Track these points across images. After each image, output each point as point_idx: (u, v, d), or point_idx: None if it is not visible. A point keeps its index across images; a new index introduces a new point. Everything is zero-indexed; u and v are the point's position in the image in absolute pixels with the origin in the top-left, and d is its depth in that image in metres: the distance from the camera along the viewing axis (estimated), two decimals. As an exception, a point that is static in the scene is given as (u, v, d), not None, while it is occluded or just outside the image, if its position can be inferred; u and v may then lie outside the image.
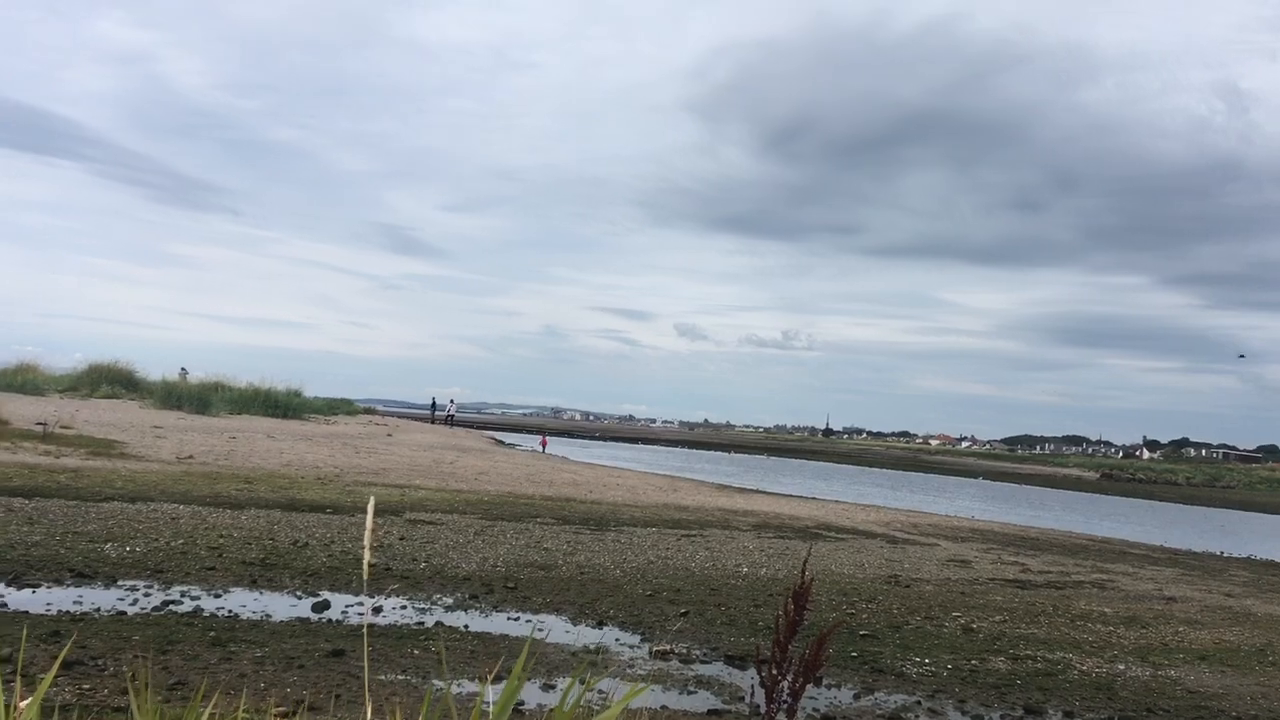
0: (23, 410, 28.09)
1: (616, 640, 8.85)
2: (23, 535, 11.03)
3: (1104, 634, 11.36)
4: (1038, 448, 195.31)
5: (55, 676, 6.13)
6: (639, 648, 8.64)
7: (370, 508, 1.87)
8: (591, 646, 8.44)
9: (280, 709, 5.48)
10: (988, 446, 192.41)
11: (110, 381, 45.86)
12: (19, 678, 1.99)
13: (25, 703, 1.93)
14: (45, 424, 23.76)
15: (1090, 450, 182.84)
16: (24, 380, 42.45)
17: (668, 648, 8.61)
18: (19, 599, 8.40)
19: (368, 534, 1.81)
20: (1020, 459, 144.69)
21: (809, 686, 3.39)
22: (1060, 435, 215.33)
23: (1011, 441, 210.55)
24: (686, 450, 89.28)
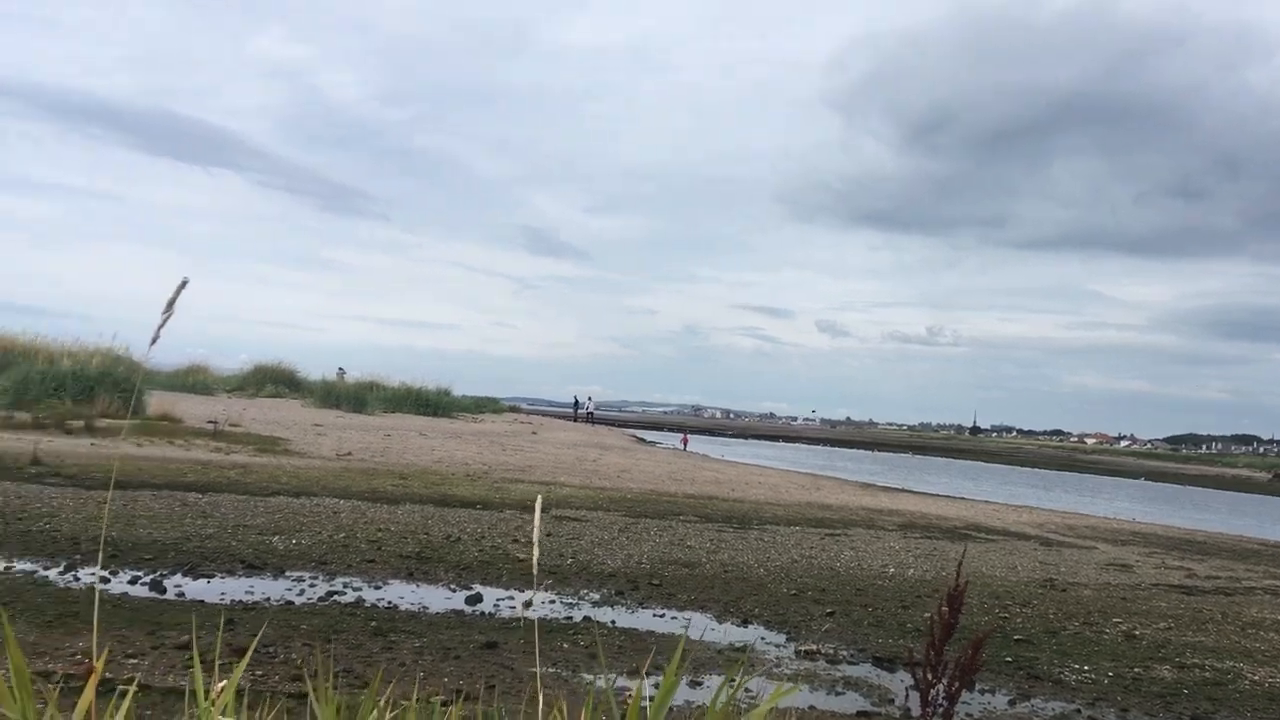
0: (195, 409, 29.72)
1: (762, 639, 8.84)
2: (197, 528, 11.70)
3: (1278, 643, 10.75)
4: (1203, 447, 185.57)
5: (231, 662, 6.52)
6: (784, 647, 8.62)
7: (538, 506, 1.95)
8: (737, 645, 8.46)
9: (440, 698, 5.68)
10: (1148, 446, 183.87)
11: (274, 381, 48.15)
12: (218, 665, 2.14)
13: (220, 685, 2.07)
14: (215, 422, 25.11)
15: (1262, 450, 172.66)
16: (195, 381, 44.94)
17: (814, 647, 8.56)
18: (195, 588, 8.92)
19: (535, 531, 1.88)
20: (1184, 459, 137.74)
21: (962, 691, 3.33)
22: (1229, 434, 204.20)
23: (1174, 441, 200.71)
24: (828, 448, 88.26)
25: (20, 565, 9.20)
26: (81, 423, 22.79)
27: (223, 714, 1.92)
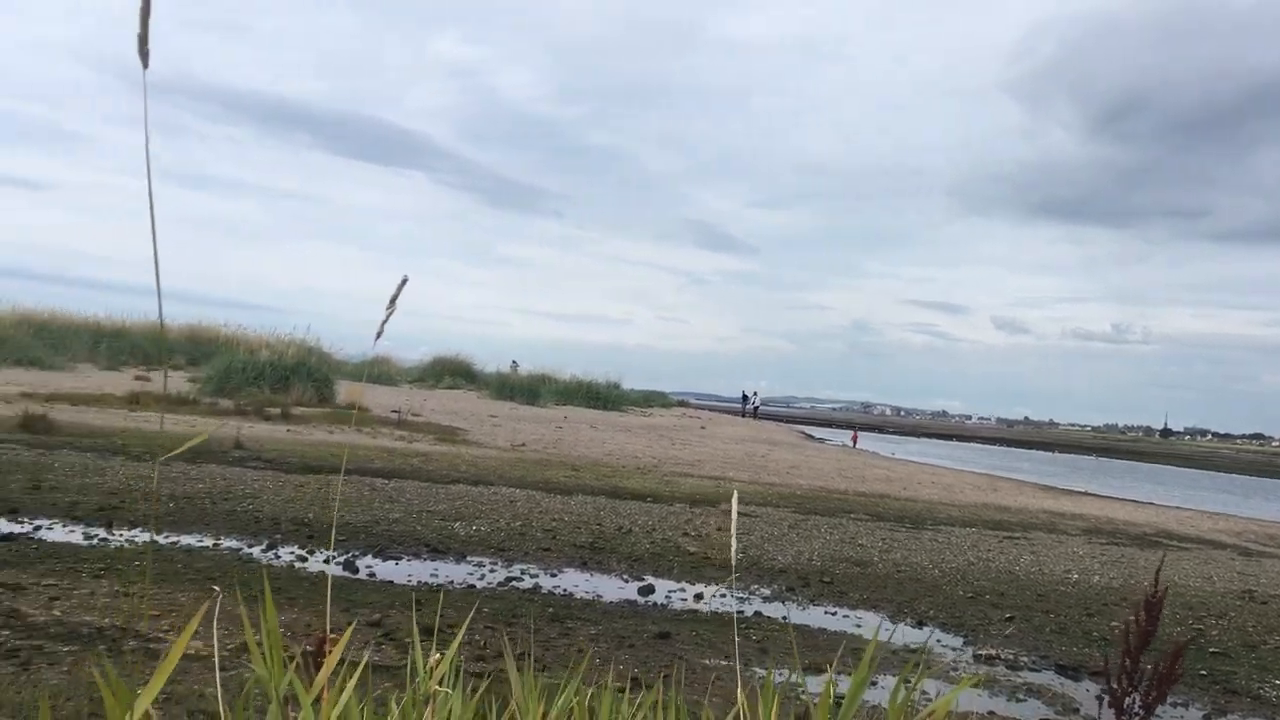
0: (380, 399, 31.17)
1: (938, 642, 8.67)
2: (385, 512, 12.28)
3: None
4: None
5: (421, 642, 6.84)
6: (961, 650, 8.42)
7: (734, 504, 2.00)
8: (912, 645, 8.33)
9: (617, 685, 5.82)
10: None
11: (451, 373, 49.93)
12: (435, 640, 2.29)
13: (435, 658, 2.20)
14: (399, 412, 26.24)
15: None
16: (379, 372, 47.06)
17: (993, 652, 8.34)
18: (384, 569, 9.37)
19: (733, 525, 1.93)
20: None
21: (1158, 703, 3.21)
22: None
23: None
24: (1005, 448, 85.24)
25: (227, 542, 9.87)
26: (278, 410, 24.21)
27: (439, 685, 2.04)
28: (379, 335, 1.83)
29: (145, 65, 1.29)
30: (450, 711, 2.09)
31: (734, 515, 1.97)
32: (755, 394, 78.21)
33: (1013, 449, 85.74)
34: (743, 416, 70.92)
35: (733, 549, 2.02)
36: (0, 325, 33.65)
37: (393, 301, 1.82)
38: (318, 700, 1.79)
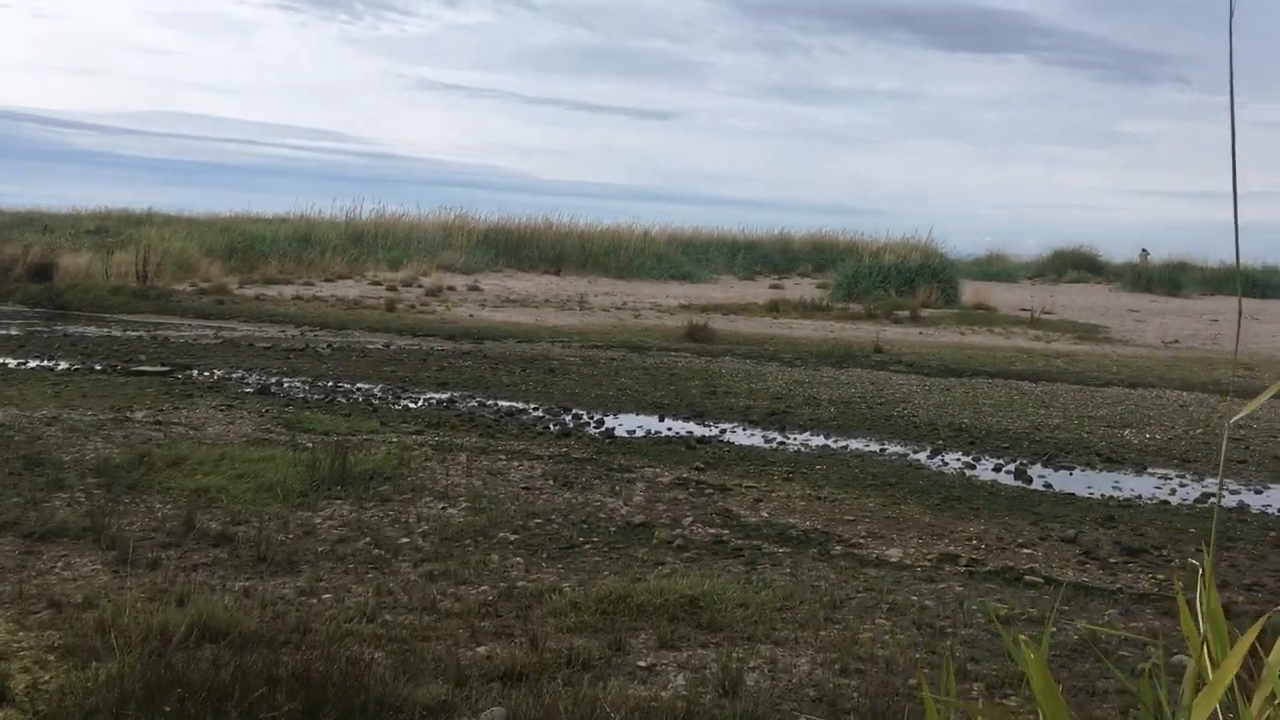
0: (1002, 297, 30.09)
1: None
2: (1042, 418, 11.70)
3: None
4: None
5: (1124, 562, 6.30)
6: None
7: None
8: None
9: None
10: None
11: (1074, 266, 46.78)
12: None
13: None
14: (1029, 310, 25.12)
15: None
16: (995, 269, 45.50)
17: None
18: (1058, 479, 8.85)
19: None
20: None
21: None
22: None
23: None
24: None
25: (891, 447, 10.00)
26: (906, 312, 24.43)
27: None
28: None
29: None
30: None
31: None
32: None
33: None
34: None
35: None
36: (655, 244, 37.86)
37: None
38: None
